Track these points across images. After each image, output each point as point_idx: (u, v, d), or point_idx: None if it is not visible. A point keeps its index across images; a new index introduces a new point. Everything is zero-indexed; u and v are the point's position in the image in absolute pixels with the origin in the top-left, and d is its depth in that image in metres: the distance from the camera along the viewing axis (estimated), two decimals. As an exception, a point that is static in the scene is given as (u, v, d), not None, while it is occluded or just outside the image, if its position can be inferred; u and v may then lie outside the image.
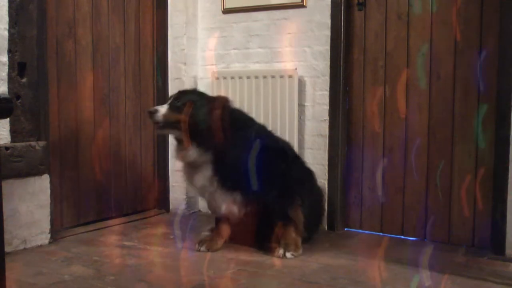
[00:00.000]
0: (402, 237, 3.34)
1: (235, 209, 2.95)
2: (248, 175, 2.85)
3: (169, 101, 2.96)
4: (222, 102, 2.94)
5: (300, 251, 2.94)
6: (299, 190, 3.02)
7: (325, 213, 3.47)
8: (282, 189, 2.96)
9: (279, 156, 3.02)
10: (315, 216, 3.21)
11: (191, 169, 2.99)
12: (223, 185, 2.92)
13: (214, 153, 2.88)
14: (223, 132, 2.85)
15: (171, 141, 3.97)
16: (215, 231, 3.10)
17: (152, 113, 2.90)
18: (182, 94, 3.01)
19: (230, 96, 3.70)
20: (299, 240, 2.98)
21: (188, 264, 2.76)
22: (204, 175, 2.93)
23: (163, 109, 2.90)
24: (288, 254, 2.89)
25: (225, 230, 3.07)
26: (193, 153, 2.87)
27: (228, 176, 2.90)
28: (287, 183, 2.98)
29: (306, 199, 3.03)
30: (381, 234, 3.42)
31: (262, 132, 3.07)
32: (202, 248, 2.99)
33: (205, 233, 3.19)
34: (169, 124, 2.89)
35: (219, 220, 3.09)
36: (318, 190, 3.30)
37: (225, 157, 2.88)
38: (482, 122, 3.05)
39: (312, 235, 3.18)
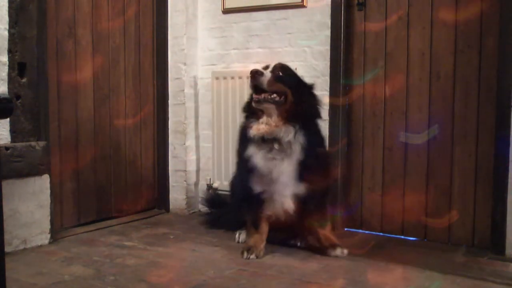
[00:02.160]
0: (402, 237, 3.34)
1: (296, 204, 2.84)
2: (317, 170, 2.81)
3: (269, 69, 2.79)
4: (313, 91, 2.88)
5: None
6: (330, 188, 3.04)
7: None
8: (327, 187, 2.98)
9: (328, 154, 3.08)
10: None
11: (268, 149, 2.78)
12: (299, 175, 2.78)
13: (305, 138, 2.75)
14: (313, 119, 2.81)
15: (172, 141, 3.99)
16: (257, 234, 2.92)
17: (258, 74, 2.69)
18: (283, 68, 2.85)
19: (230, 96, 3.74)
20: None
21: (188, 264, 2.76)
22: (289, 160, 2.75)
23: (268, 74, 2.72)
24: (345, 251, 2.90)
25: (266, 231, 2.93)
26: (289, 131, 2.72)
27: (306, 166, 2.77)
28: (329, 181, 3.02)
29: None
30: (381, 234, 3.42)
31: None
32: (252, 256, 2.82)
33: (243, 236, 3.11)
34: (270, 92, 2.71)
35: (258, 220, 2.91)
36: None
37: (310, 146, 2.77)
38: (482, 122, 3.05)
39: None
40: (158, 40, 3.97)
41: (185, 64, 3.92)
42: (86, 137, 3.48)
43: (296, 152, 2.76)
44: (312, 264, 2.76)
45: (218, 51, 3.93)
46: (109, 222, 3.61)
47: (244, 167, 2.87)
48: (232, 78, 3.75)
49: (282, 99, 2.76)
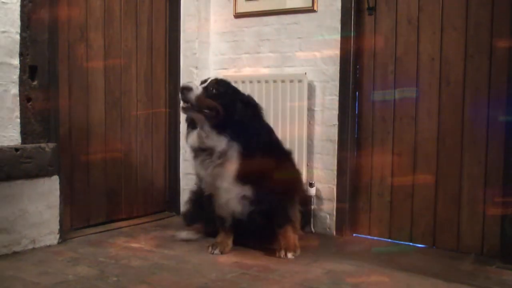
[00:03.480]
0: (411, 243, 3.30)
1: (246, 205, 2.95)
2: (263, 172, 2.88)
3: (202, 85, 2.86)
4: (253, 101, 3.00)
5: (299, 250, 2.98)
6: (296, 189, 3.07)
7: (312, 213, 3.53)
8: (286, 187, 2.99)
9: (285, 155, 3.10)
10: (305, 216, 3.26)
11: (205, 157, 2.90)
12: (240, 180, 2.88)
13: (240, 146, 2.84)
14: (249, 128, 2.88)
15: (182, 144, 4.02)
16: (223, 232, 3.07)
17: (187, 90, 2.77)
18: (218, 83, 2.91)
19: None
20: (297, 239, 3.03)
21: (191, 267, 2.77)
22: (226, 167, 2.85)
23: (197, 90, 2.80)
24: (289, 255, 2.92)
25: (232, 230, 3.07)
26: (221, 141, 2.82)
27: (247, 170, 2.86)
28: (290, 182, 3.04)
29: (298, 198, 3.10)
30: (389, 240, 3.39)
31: (270, 130, 3.13)
32: (216, 251, 2.99)
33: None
34: (199, 108, 2.79)
35: (223, 220, 3.06)
36: (304, 189, 3.38)
37: (248, 151, 2.86)
38: (492, 128, 3.00)
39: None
40: (170, 44, 4.00)
41: (196, 68, 3.95)
42: (97, 140, 3.53)
43: (233, 159, 2.85)
44: (315, 270, 2.75)
45: (230, 55, 3.95)
46: (118, 224, 3.64)
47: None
48: (243, 82, 3.76)
49: (213, 112, 2.82)
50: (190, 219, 3.50)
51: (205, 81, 2.93)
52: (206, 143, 2.85)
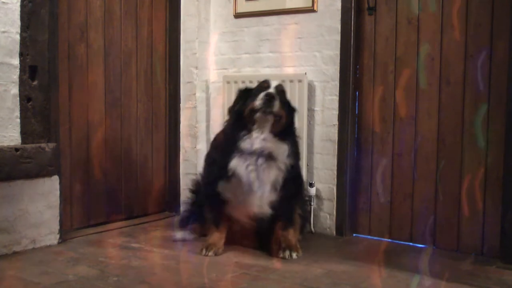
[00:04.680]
0: (411, 243, 3.30)
1: (268, 209, 2.97)
2: (293, 180, 3.00)
3: (273, 90, 2.90)
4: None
5: (301, 251, 3.00)
6: (301, 192, 3.11)
7: (311, 216, 3.54)
8: (296, 191, 3.06)
9: (299, 157, 3.15)
10: (304, 219, 3.28)
11: (250, 160, 2.89)
12: (276, 187, 2.93)
13: (291, 153, 2.94)
14: (295, 137, 3.03)
15: (183, 144, 4.02)
16: (217, 232, 3.05)
17: (273, 99, 2.83)
18: (283, 91, 3.01)
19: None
20: (297, 242, 3.05)
21: (191, 267, 2.77)
22: (270, 172, 2.89)
23: (277, 98, 2.86)
24: (294, 255, 2.94)
25: (225, 231, 3.07)
26: (281, 147, 2.89)
27: (286, 179, 2.94)
28: (298, 186, 3.11)
29: (300, 202, 3.14)
30: (389, 240, 3.39)
31: None
32: (210, 253, 2.96)
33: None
34: (274, 114, 2.86)
35: (219, 220, 3.05)
36: (305, 193, 3.39)
37: (293, 159, 2.97)
38: (492, 128, 3.00)
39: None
40: (170, 44, 4.00)
41: (197, 68, 3.95)
42: (97, 139, 3.53)
43: (281, 166, 2.91)
44: (316, 270, 2.75)
45: (230, 55, 3.95)
46: (119, 224, 3.64)
47: (219, 173, 2.96)
48: (243, 82, 3.75)
49: (279, 119, 2.89)
50: (187, 221, 3.48)
51: (265, 85, 2.95)
52: (269, 148, 2.87)
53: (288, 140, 2.93)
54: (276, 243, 3.01)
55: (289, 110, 2.98)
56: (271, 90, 2.90)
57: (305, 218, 3.30)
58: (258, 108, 2.84)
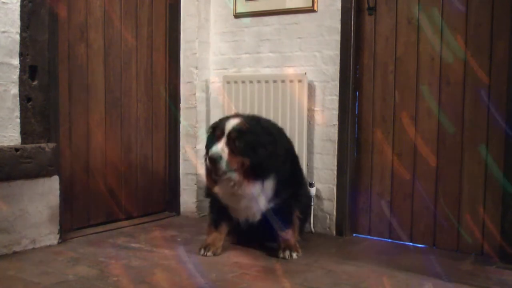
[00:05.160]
0: (411, 244, 3.30)
1: (265, 213, 2.99)
2: (288, 187, 2.99)
3: (224, 139, 2.77)
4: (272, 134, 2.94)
5: (301, 251, 3.00)
6: (301, 195, 3.12)
7: (311, 217, 3.54)
8: (292, 194, 3.05)
9: (298, 163, 3.19)
10: (303, 220, 3.26)
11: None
12: (268, 199, 2.95)
13: (271, 179, 2.90)
14: (275, 160, 2.87)
15: (183, 144, 4.02)
16: (216, 232, 3.06)
17: (217, 160, 2.71)
18: (239, 132, 2.78)
19: (240, 100, 3.75)
20: (297, 242, 3.06)
21: (192, 267, 2.77)
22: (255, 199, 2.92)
23: (224, 153, 2.72)
24: (294, 255, 2.94)
25: (225, 231, 3.09)
26: (253, 187, 2.85)
27: (277, 192, 2.95)
28: (296, 188, 3.10)
29: (301, 203, 3.13)
30: (389, 240, 3.39)
31: (288, 142, 3.19)
32: (209, 254, 2.96)
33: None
34: (229, 170, 2.77)
35: (218, 220, 3.07)
36: (307, 193, 3.38)
37: (278, 178, 2.93)
38: (492, 128, 3.00)
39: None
40: (171, 44, 4.00)
41: (197, 68, 3.95)
42: (97, 139, 3.53)
43: (268, 191, 2.92)
44: (315, 270, 2.75)
45: (230, 55, 3.95)
46: (119, 224, 3.64)
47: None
48: (243, 82, 3.76)
49: (240, 166, 2.79)
50: None
51: (218, 127, 2.84)
52: (238, 192, 2.86)
53: (262, 176, 2.82)
54: (276, 244, 3.01)
55: (254, 149, 2.77)
56: (219, 145, 2.74)
57: (305, 218, 3.28)
58: (210, 169, 2.83)
